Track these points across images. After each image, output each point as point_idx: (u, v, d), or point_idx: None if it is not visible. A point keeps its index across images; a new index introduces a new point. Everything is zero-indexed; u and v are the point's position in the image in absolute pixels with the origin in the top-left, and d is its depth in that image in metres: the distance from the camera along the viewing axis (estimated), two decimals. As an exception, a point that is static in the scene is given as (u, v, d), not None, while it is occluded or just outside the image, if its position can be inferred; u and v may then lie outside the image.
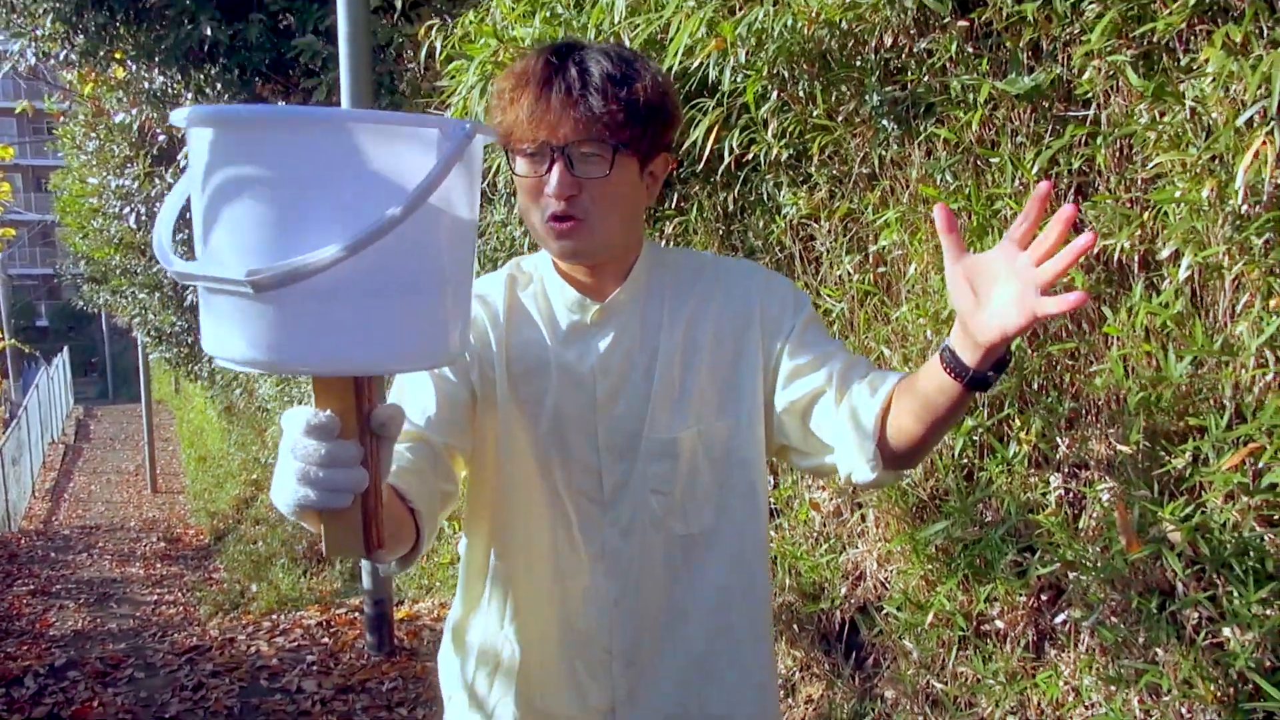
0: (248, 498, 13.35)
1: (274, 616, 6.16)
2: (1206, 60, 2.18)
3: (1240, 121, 2.13)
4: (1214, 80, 2.18)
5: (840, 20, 2.84)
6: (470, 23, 4.00)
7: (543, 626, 1.55)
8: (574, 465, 1.50)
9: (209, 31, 5.92)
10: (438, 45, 4.21)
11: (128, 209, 9.83)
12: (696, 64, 3.07)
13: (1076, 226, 2.43)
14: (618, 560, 1.52)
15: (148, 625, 7.22)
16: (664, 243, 3.97)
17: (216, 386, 18.32)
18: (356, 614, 5.78)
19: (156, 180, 9.00)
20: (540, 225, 1.41)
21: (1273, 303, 2.20)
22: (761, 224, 3.47)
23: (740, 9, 3.04)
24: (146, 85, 7.32)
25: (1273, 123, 2.09)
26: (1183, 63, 2.30)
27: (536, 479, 1.51)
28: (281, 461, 0.99)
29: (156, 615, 8.09)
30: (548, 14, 3.65)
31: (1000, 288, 1.13)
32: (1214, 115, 2.20)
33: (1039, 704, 2.71)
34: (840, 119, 2.99)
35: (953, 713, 2.93)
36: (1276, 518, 2.20)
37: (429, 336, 1.01)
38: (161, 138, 8.63)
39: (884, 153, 2.93)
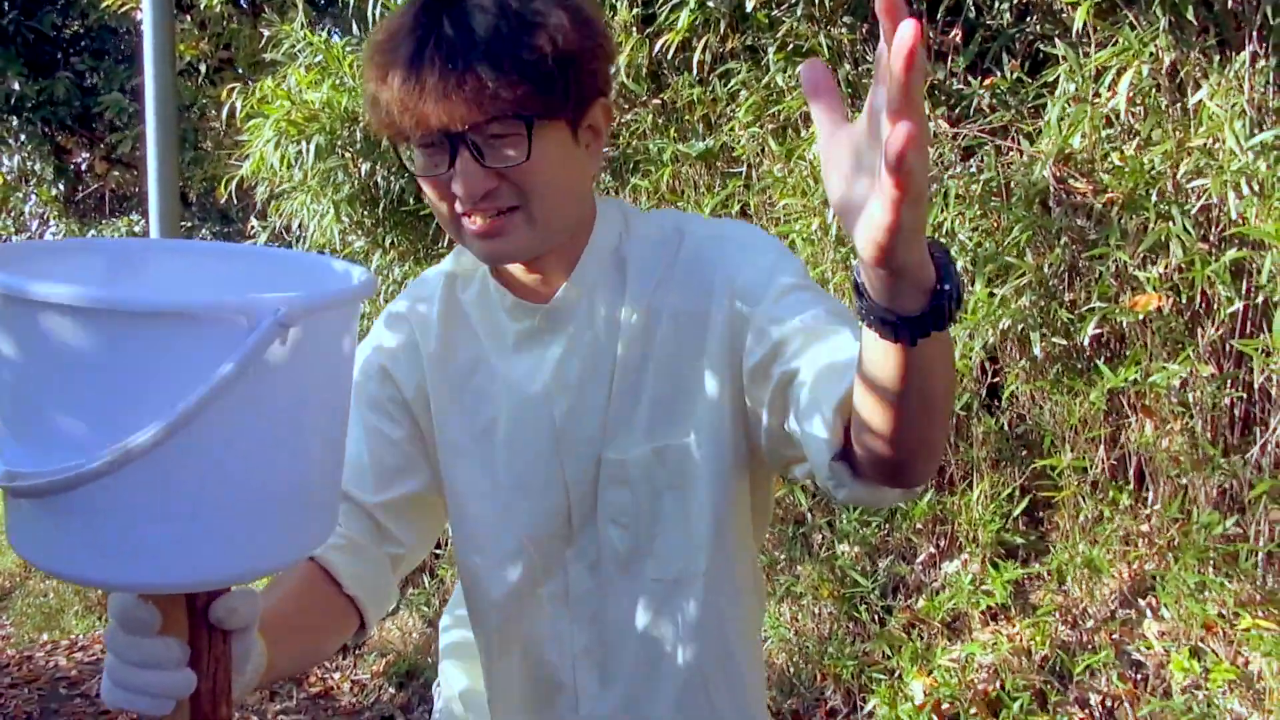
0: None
1: (71, 636, 6.24)
2: (815, 132, 2.96)
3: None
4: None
5: (567, 95, 3.54)
6: (267, 87, 4.51)
7: (509, 671, 1.26)
8: (537, 503, 1.18)
9: (16, 86, 6.14)
10: (238, 105, 4.68)
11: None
12: (456, 126, 3.71)
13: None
14: (585, 604, 1.21)
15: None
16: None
17: None
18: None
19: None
20: (456, 226, 1.07)
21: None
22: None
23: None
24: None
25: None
26: (804, 134, 3.08)
27: (492, 519, 1.21)
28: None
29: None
30: (334, 81, 4.21)
31: (866, 164, 0.70)
32: (821, 172, 2.99)
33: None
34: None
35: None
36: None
37: (261, 547, 0.77)
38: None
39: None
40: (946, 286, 0.73)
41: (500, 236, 1.04)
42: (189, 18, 5.98)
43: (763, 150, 3.19)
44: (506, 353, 1.17)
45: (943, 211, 2.76)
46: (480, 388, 1.18)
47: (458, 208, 1.04)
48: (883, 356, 0.78)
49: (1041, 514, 2.86)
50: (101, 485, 0.69)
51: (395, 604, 1.32)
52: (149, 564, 0.72)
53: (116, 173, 6.69)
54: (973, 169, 2.82)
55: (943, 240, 2.77)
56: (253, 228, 5.77)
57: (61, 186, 7.02)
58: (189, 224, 6.68)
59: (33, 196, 7.39)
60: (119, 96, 5.88)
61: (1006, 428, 2.83)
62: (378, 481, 1.16)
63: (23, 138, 6.54)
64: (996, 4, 2.93)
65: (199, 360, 0.68)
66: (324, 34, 4.71)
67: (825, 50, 2.99)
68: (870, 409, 0.84)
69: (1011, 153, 2.79)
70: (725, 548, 1.18)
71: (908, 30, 0.59)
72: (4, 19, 6.21)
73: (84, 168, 6.98)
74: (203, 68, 5.73)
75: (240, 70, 5.81)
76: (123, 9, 5.73)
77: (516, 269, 1.13)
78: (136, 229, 6.79)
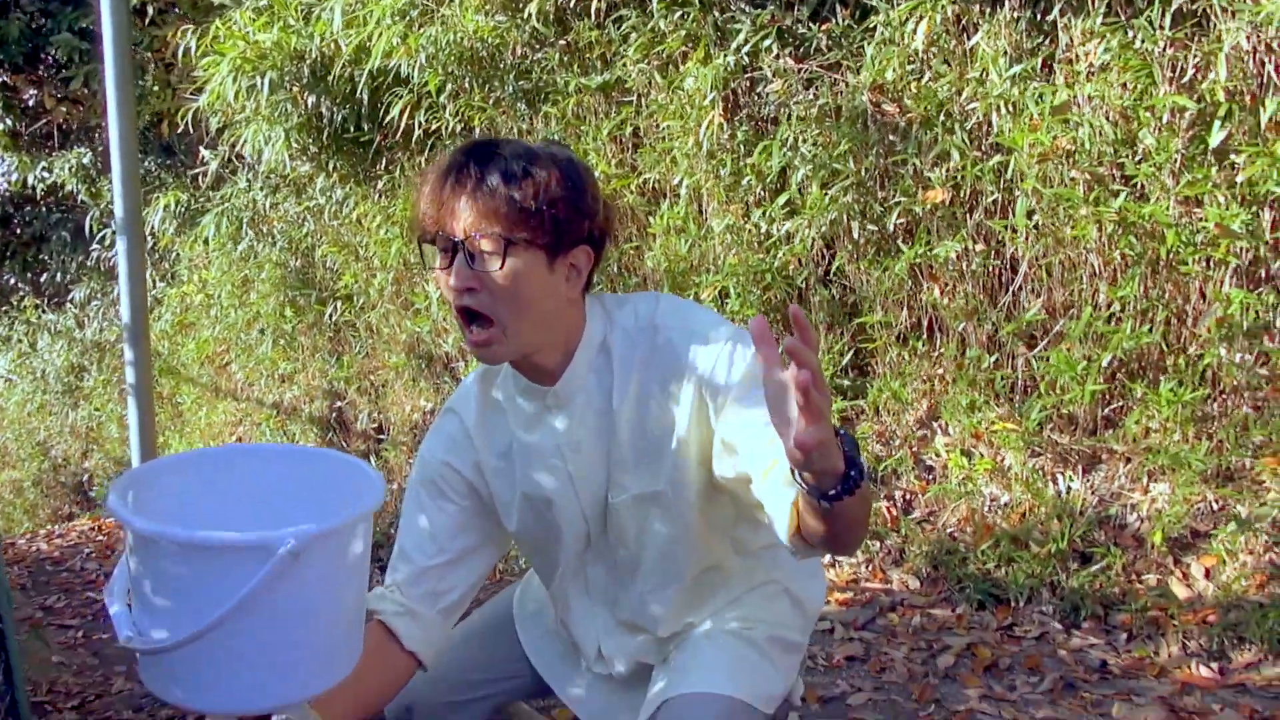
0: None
1: (49, 527, 6.77)
2: (690, 68, 3.66)
3: (706, 101, 3.62)
4: (695, 80, 3.67)
5: (488, 37, 4.16)
6: (219, 28, 5.03)
7: (554, 621, 1.65)
8: (567, 530, 1.47)
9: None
10: (193, 45, 5.19)
11: None
12: (394, 63, 4.31)
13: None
14: (602, 593, 1.53)
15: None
16: (376, 197, 5.17)
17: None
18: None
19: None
20: (460, 330, 1.35)
21: (732, 207, 3.70)
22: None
23: (422, 27, 4.30)
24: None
25: (718, 102, 3.60)
26: (682, 69, 3.77)
27: (538, 545, 1.52)
28: None
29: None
30: (283, 23, 4.77)
31: (787, 412, 1.00)
32: (695, 99, 3.69)
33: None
34: (491, 102, 4.31)
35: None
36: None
37: (298, 683, 1.10)
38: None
39: (520, 125, 4.28)
40: (853, 472, 1.04)
41: (486, 346, 1.31)
42: (132, -37, 6.37)
43: (650, 82, 3.87)
44: (529, 427, 1.44)
45: (788, 127, 3.49)
46: (515, 457, 1.46)
47: (457, 300, 1.30)
48: (814, 507, 1.08)
49: (864, 362, 3.64)
50: (184, 651, 1.03)
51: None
52: (222, 698, 1.07)
53: (64, 108, 7.06)
54: (811, 96, 3.54)
55: (787, 155, 3.52)
56: (202, 158, 6.26)
57: (9, 122, 7.37)
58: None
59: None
60: (69, 37, 6.26)
61: (836, 297, 3.60)
62: (437, 547, 1.46)
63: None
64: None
65: (240, 573, 1.01)
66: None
67: (698, 3, 3.68)
68: (813, 524, 1.12)
69: (840, 83, 3.52)
70: (707, 548, 1.46)
71: (803, 380, 0.93)
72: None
73: (32, 103, 7.32)
74: (149, 10, 6.16)
75: (183, 12, 6.23)
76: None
77: (521, 365, 1.40)
78: (85, 160, 7.18)
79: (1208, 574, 2.75)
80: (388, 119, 4.50)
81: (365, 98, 4.64)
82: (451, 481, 1.48)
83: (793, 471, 1.07)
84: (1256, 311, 2.81)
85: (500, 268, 1.26)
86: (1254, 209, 2.81)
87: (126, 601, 1.08)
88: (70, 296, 8.93)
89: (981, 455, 3.24)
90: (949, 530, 3.21)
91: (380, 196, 5.11)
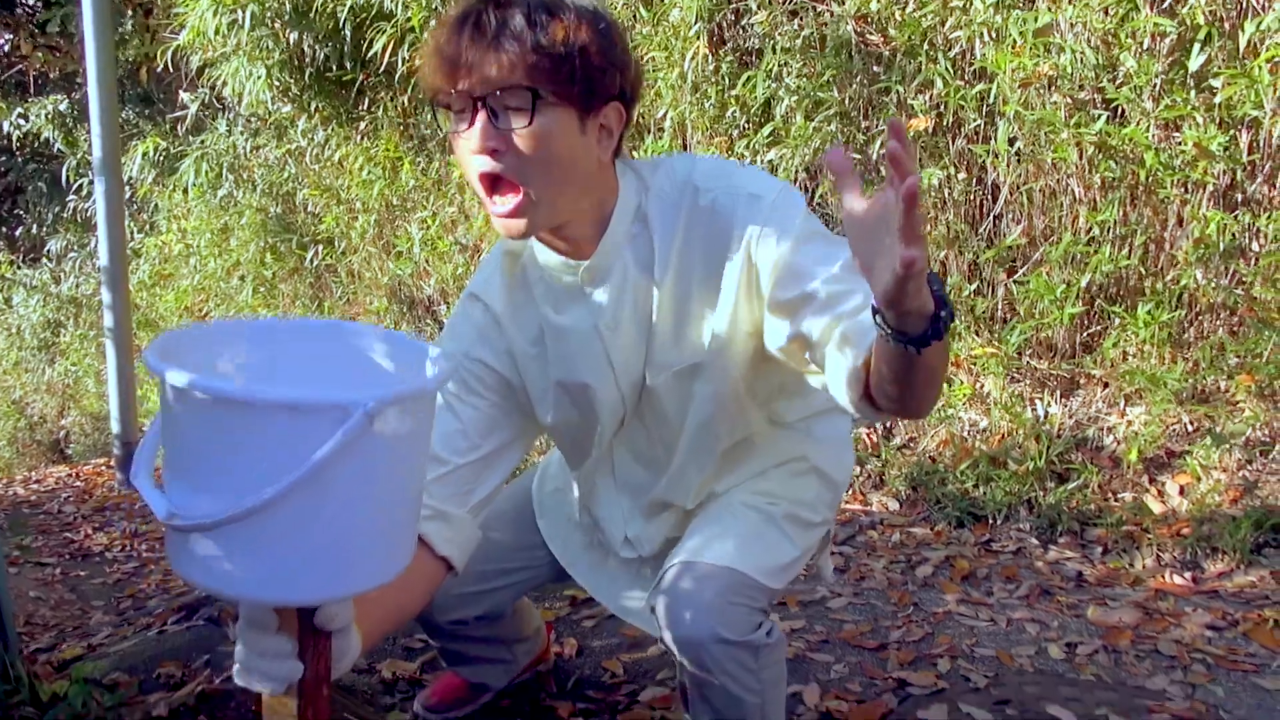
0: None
1: (25, 473, 6.72)
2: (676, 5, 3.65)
3: (691, 33, 3.61)
4: (680, 11, 3.65)
5: (472, -30, 4.13)
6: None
7: (578, 501, 1.61)
8: (603, 414, 1.39)
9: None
10: (171, -17, 5.13)
11: None
12: (377, -3, 4.27)
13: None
14: (627, 479, 1.49)
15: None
16: (359, 138, 5.13)
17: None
18: (105, 467, 6.47)
19: None
20: (483, 201, 1.22)
21: (716, 139, 3.70)
22: (429, 117, 4.70)
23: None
24: None
25: (703, 34, 3.59)
26: (667, 1, 3.75)
27: (571, 431, 1.45)
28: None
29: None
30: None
31: (879, 241, 0.91)
32: (681, 31, 3.68)
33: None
34: (476, 37, 4.28)
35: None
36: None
37: (356, 574, 0.95)
38: None
39: (505, 60, 4.26)
40: (942, 313, 0.94)
41: (514, 217, 1.18)
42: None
43: (634, 15, 3.86)
44: (561, 306, 1.34)
45: (773, 58, 3.49)
46: (547, 342, 1.37)
47: (476, 171, 1.17)
48: (895, 355, 0.98)
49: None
50: (233, 528, 0.88)
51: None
52: (274, 586, 0.92)
53: (40, 55, 6.95)
54: (796, 27, 3.54)
55: (772, 86, 3.52)
56: (182, 101, 6.19)
57: (-17, 68, 7.27)
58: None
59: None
60: (45, -22, 6.18)
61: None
62: (469, 444, 1.36)
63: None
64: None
65: (313, 437, 0.86)
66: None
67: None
68: (887, 381, 1.03)
69: (825, 14, 3.52)
70: (744, 420, 1.40)
71: (911, 185, 0.82)
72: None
73: (7, 49, 7.20)
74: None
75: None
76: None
77: (551, 238, 1.29)
78: (62, 107, 7.08)
79: (1182, 491, 2.79)
80: (370, 55, 4.46)
81: (348, 34, 4.60)
82: (481, 375, 1.38)
83: (876, 316, 0.97)
84: (1233, 233, 2.84)
85: (529, 124, 1.13)
86: (1231, 132, 2.83)
87: (155, 481, 0.93)
88: (46, 249, 8.83)
89: (961, 382, 3.27)
90: (929, 454, 3.24)
91: (362, 138, 5.08)
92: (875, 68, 3.43)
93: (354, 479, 0.90)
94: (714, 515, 1.43)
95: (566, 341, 1.35)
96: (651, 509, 1.49)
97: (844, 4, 3.45)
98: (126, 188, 6.51)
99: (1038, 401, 3.15)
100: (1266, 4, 2.78)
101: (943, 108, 3.27)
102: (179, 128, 6.42)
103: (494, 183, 1.18)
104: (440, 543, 1.32)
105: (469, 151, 1.17)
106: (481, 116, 1.14)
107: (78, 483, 6.28)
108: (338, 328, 1.14)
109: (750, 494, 1.44)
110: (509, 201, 1.17)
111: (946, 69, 3.24)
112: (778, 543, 1.41)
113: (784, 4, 3.57)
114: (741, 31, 3.70)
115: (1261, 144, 2.85)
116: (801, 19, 3.54)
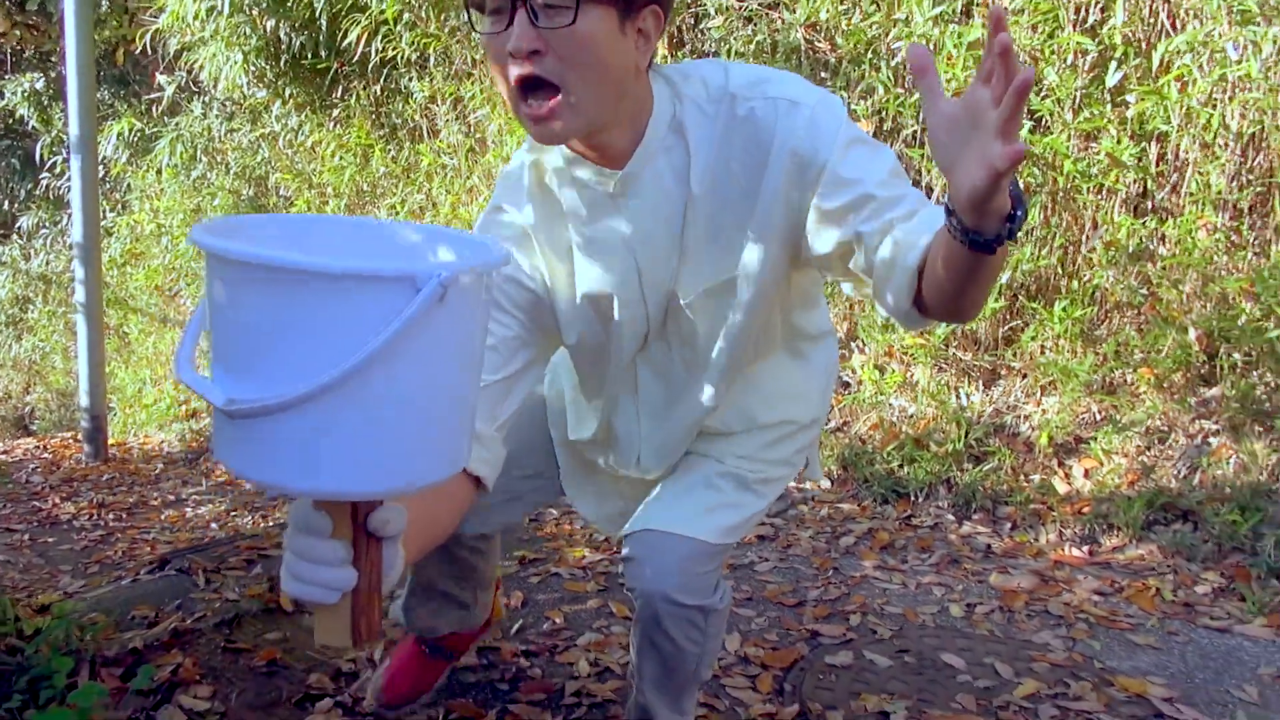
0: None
1: (-10, 448, 6.81)
2: None
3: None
4: None
5: (445, -33, 4.29)
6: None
7: (593, 412, 1.55)
8: (627, 330, 1.36)
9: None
10: (152, -33, 5.25)
11: None
12: (352, -11, 4.43)
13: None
14: (649, 398, 1.46)
15: None
16: (331, 125, 5.28)
17: None
18: (72, 441, 6.57)
19: None
20: (515, 105, 1.16)
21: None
22: (400, 106, 4.87)
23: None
24: None
25: (663, 37, 3.78)
26: None
27: (594, 346, 1.41)
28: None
29: None
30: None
31: (967, 139, 0.90)
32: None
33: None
34: (447, 31, 4.45)
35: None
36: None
37: (417, 466, 0.89)
38: None
39: (475, 55, 4.42)
40: (1018, 212, 0.93)
41: (549, 120, 1.13)
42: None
43: None
44: (591, 217, 1.29)
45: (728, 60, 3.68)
46: (575, 252, 1.32)
47: (512, 76, 1.12)
48: (962, 256, 0.97)
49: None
50: (296, 413, 0.80)
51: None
52: (327, 476, 0.83)
53: (18, 32, 7.02)
54: (750, 32, 3.74)
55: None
56: (158, 83, 6.30)
57: (-40, 45, 7.31)
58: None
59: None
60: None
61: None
62: (501, 361, 1.30)
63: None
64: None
65: (379, 311, 0.78)
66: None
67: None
68: (946, 282, 1.02)
69: (778, 21, 3.72)
70: (768, 339, 1.40)
71: (1028, 76, 0.82)
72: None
73: (-15, 26, 7.27)
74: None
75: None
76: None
77: (582, 147, 1.23)
78: (38, 85, 7.16)
79: (1086, 474, 3.02)
80: (345, 44, 4.62)
81: (324, 24, 4.75)
82: (511, 293, 1.32)
83: (951, 219, 0.95)
84: (1141, 238, 3.07)
85: (571, 23, 1.08)
86: (1142, 144, 3.07)
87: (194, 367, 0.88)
88: (18, 225, 8.88)
89: (894, 371, 3.48)
90: (859, 436, 3.46)
91: (335, 125, 5.23)
92: (823, 73, 3.64)
93: (423, 359, 0.84)
94: (692, 481, 1.48)
95: (595, 253, 1.31)
96: (671, 430, 1.48)
97: (795, 12, 3.65)
98: (100, 167, 6.62)
99: (961, 390, 3.37)
100: (1179, 27, 3.02)
101: (883, 113, 3.48)
102: (154, 109, 6.53)
103: (530, 85, 1.13)
104: (474, 462, 1.25)
105: (503, 53, 1.12)
106: (520, 16, 1.09)
107: (45, 454, 6.38)
108: (380, 226, 1.04)
109: (734, 459, 1.49)
110: (545, 104, 1.13)
111: (888, 77, 3.45)
112: (750, 503, 1.48)
113: (740, 10, 3.77)
114: (699, 35, 3.90)
115: (1169, 156, 3.09)
116: (755, 25, 3.74)
